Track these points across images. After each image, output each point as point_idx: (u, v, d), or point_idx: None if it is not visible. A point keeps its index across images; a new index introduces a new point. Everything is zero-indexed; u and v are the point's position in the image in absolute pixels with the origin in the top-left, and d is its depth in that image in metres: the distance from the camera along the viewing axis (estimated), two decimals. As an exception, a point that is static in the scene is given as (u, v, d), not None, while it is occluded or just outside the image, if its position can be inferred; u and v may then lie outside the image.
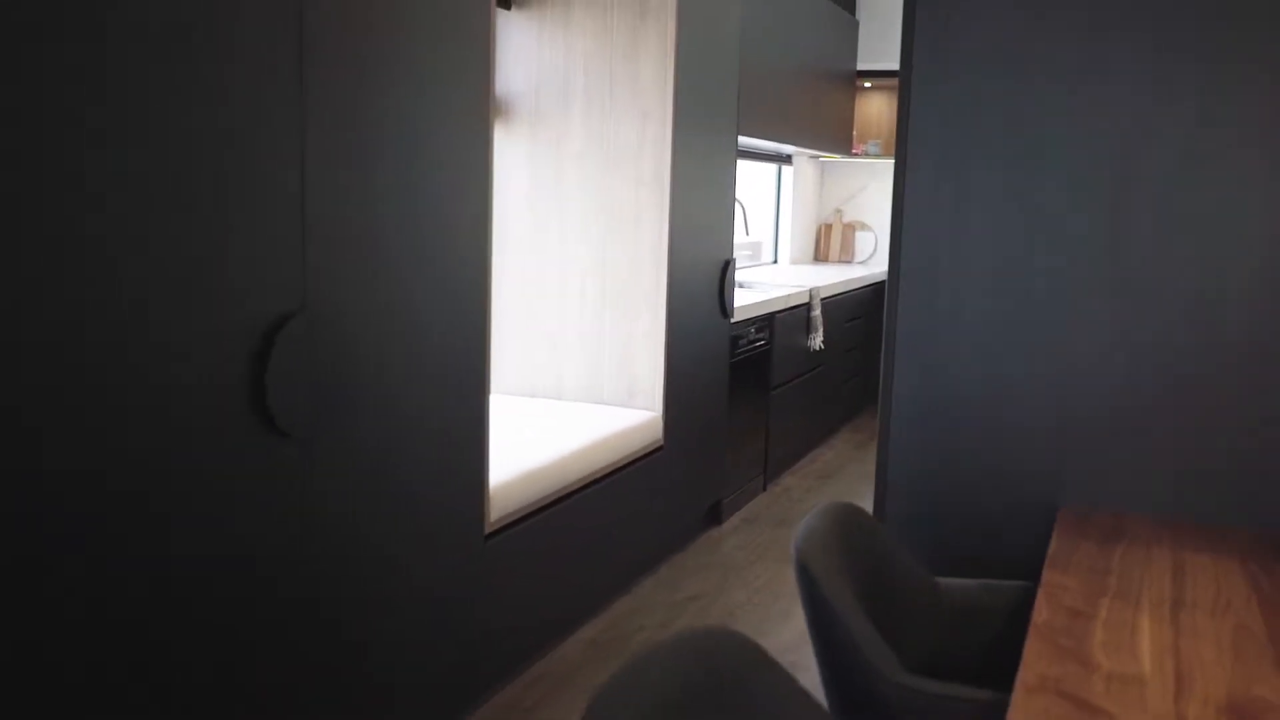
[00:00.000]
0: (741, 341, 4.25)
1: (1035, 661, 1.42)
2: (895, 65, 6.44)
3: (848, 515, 1.85)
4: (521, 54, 3.60)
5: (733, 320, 4.14)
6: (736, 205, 5.54)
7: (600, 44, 3.51)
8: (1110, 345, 2.13)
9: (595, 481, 3.20)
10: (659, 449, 3.59)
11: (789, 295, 4.68)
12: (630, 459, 3.40)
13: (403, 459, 2.30)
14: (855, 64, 6.35)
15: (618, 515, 3.35)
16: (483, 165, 2.49)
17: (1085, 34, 2.08)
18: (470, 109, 2.42)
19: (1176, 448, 2.12)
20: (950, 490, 2.27)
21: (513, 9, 3.59)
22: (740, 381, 4.30)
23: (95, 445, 1.60)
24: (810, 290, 4.92)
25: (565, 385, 3.69)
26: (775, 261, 6.55)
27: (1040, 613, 1.59)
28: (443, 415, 2.42)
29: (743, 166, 6.00)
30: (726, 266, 4.02)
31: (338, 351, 2.06)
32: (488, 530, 2.65)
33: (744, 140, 4.75)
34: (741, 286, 5.05)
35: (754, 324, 4.36)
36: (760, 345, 4.45)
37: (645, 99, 3.47)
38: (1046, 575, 1.75)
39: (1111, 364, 2.13)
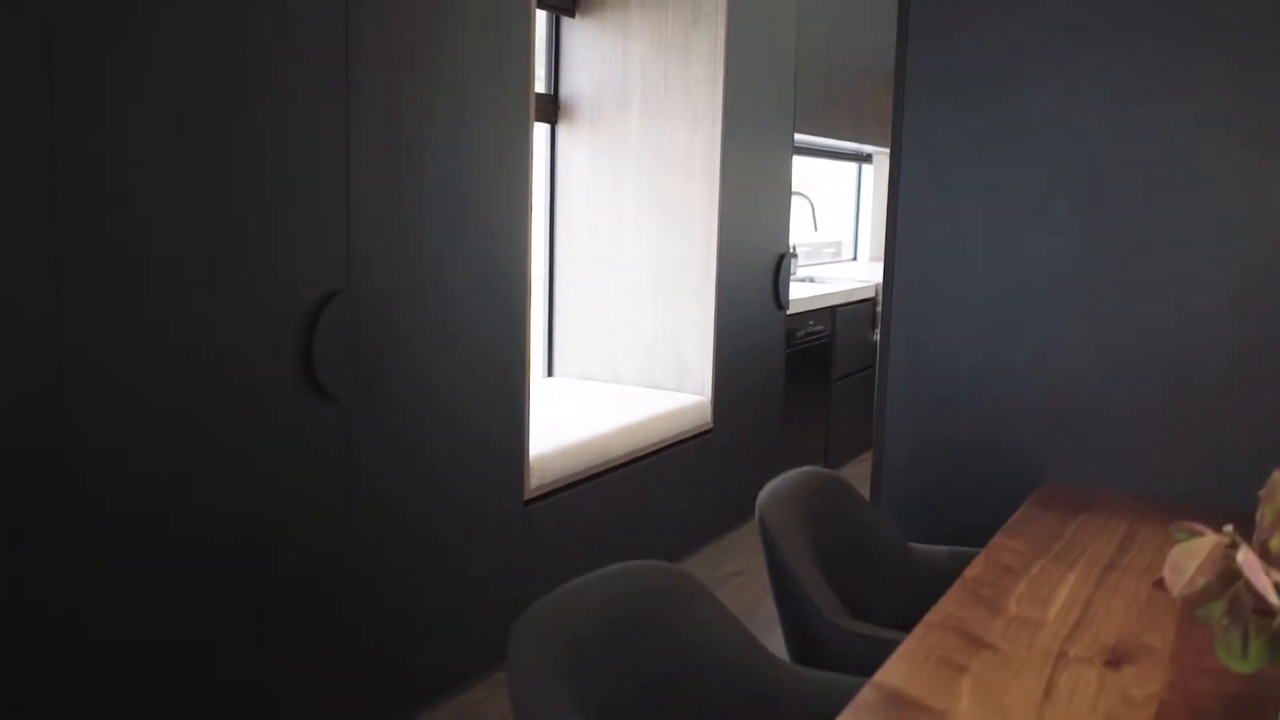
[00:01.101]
0: (799, 333, 4.41)
1: (948, 605, 1.58)
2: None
3: (818, 481, 2.02)
4: (584, 59, 3.84)
5: (789, 312, 4.30)
6: (805, 202, 5.68)
7: (655, 49, 3.72)
8: (1093, 329, 2.24)
9: (640, 459, 3.41)
10: (707, 431, 3.78)
11: (851, 290, 4.81)
12: (677, 439, 3.60)
13: (442, 425, 2.55)
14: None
15: (664, 492, 3.56)
16: (523, 158, 2.72)
17: (1068, 41, 2.20)
18: (511, 105, 2.66)
19: (1158, 429, 2.22)
20: (943, 465, 2.41)
21: (577, 17, 3.83)
22: (800, 372, 4.45)
23: (165, 403, 1.89)
24: (876, 285, 5.03)
25: (621, 370, 3.91)
26: (855, 258, 6.65)
27: (974, 568, 1.74)
28: (482, 388, 2.67)
29: (821, 165, 6.13)
30: (781, 260, 4.18)
31: (378, 326, 2.33)
32: (527, 496, 2.89)
33: (819, 139, 4.89)
34: (812, 281, 5.19)
35: (812, 316, 4.51)
36: (820, 337, 4.59)
37: (697, 101, 3.67)
38: (997, 538, 1.89)
39: (1095, 347, 2.25)
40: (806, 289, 4.70)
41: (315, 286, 2.18)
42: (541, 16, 3.82)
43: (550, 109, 3.89)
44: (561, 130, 3.91)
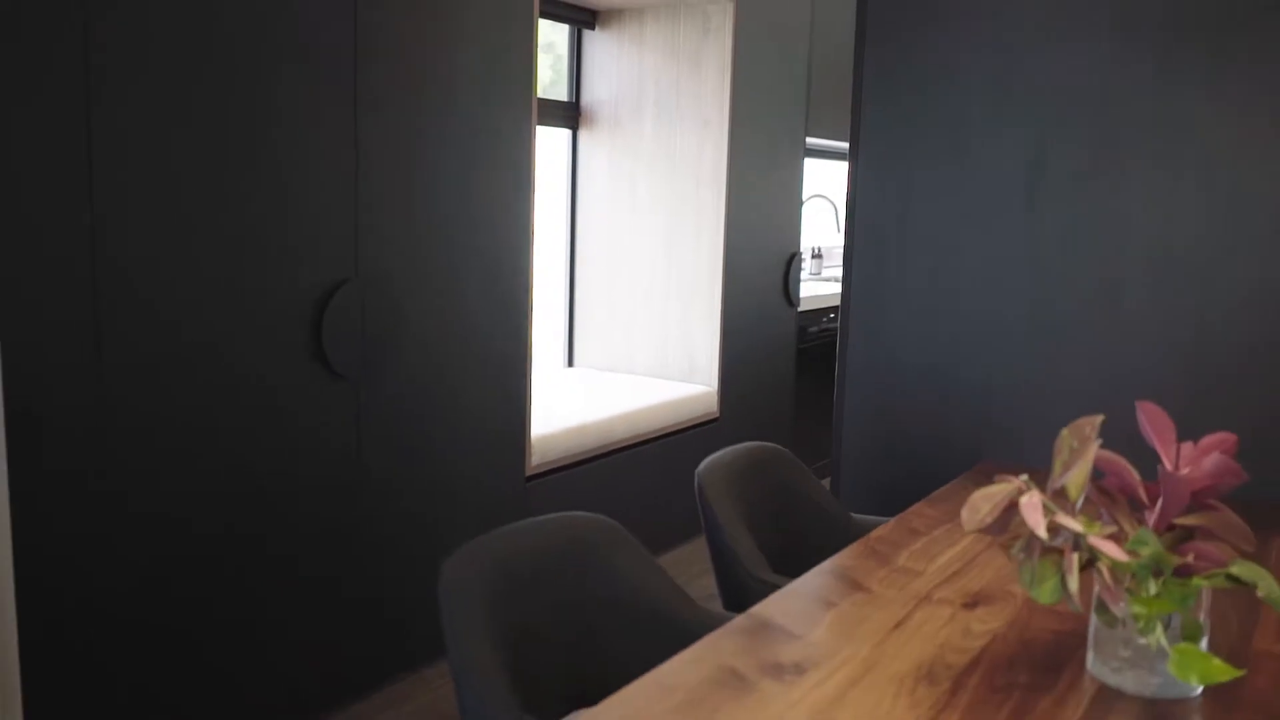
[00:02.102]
0: (811, 329, 4.60)
1: (843, 557, 1.79)
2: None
3: (762, 453, 2.24)
4: (603, 68, 4.09)
5: (804, 310, 4.49)
6: (828, 204, 5.85)
7: (668, 59, 3.95)
8: (1028, 318, 2.42)
9: (644, 443, 3.64)
10: (713, 420, 4.00)
11: (868, 288, 4.97)
12: (683, 427, 3.83)
13: (446, 404, 2.82)
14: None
15: (670, 477, 3.78)
16: (525, 158, 2.97)
17: (1007, 51, 2.38)
18: (514, 107, 2.91)
19: (1091, 410, 2.39)
20: (896, 443, 2.60)
21: (596, 29, 4.08)
22: (814, 367, 4.64)
23: (190, 378, 2.18)
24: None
25: (636, 361, 4.15)
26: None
27: (882, 530, 1.94)
28: (484, 371, 2.93)
29: (844, 168, 6.27)
30: (792, 259, 4.38)
31: (384, 312, 2.59)
32: (528, 473, 3.15)
33: (838, 143, 5.06)
34: (836, 280, 5.36)
35: (826, 314, 4.69)
36: (835, 334, 4.77)
37: (706, 108, 3.89)
38: (915, 506, 2.08)
39: (1029, 335, 2.43)
40: (823, 287, 4.88)
41: (325, 274, 2.45)
42: (564, 29, 4.07)
43: (572, 115, 4.14)
44: (582, 135, 4.16)
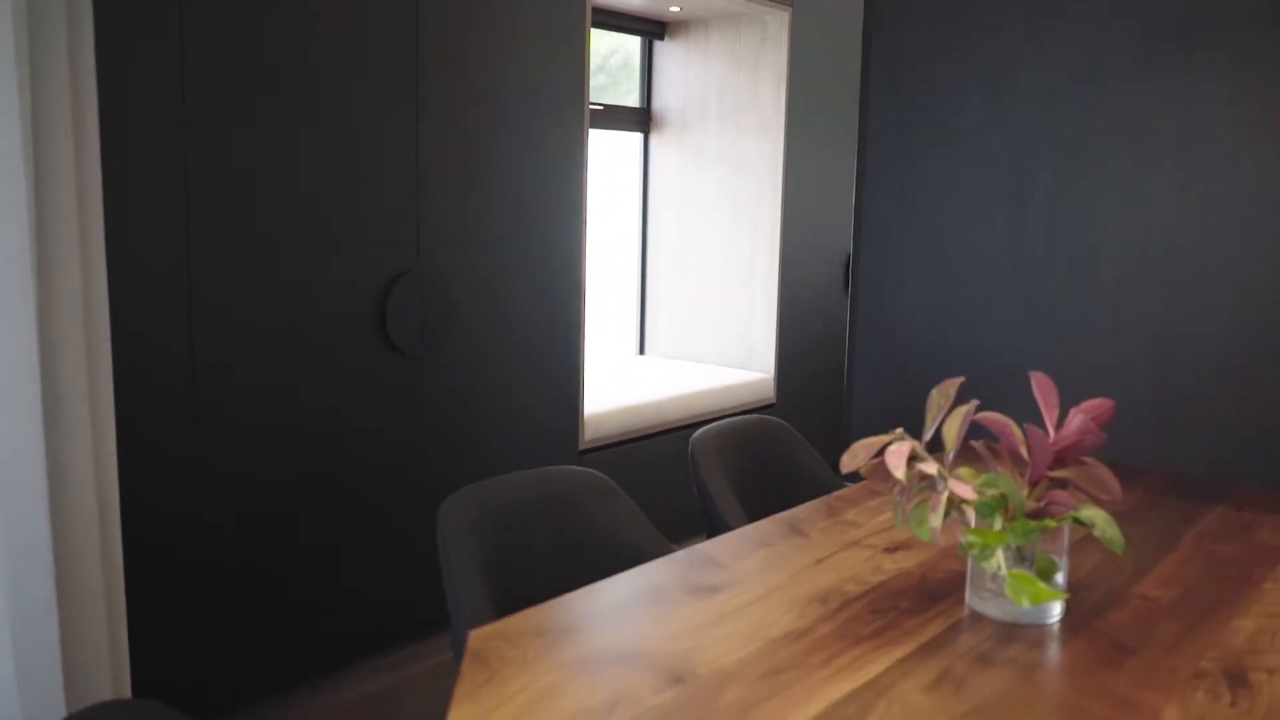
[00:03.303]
0: (876, 322, 4.78)
1: (797, 510, 2.04)
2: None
3: (759, 425, 2.49)
4: (672, 76, 4.37)
5: (868, 303, 4.68)
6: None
7: (730, 66, 4.20)
8: (1012, 307, 2.60)
9: (697, 424, 3.91)
10: (769, 405, 4.23)
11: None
12: (738, 411, 4.08)
13: (501, 381, 3.15)
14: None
15: (724, 457, 4.04)
16: (578, 160, 3.28)
17: (995, 65, 2.57)
18: (567, 113, 3.22)
19: (1070, 392, 2.56)
20: (899, 419, 2.80)
21: (666, 39, 4.37)
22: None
23: (272, 353, 2.57)
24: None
25: (701, 350, 4.42)
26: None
27: (847, 491, 2.17)
28: (538, 353, 3.25)
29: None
30: (854, 254, 4.57)
31: (441, 298, 2.94)
32: (582, 447, 3.46)
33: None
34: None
35: (892, 307, 4.87)
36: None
37: (764, 112, 4.13)
38: (869, 481, 2.30)
39: (1015, 320, 2.60)
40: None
41: (389, 266, 2.81)
42: (636, 41, 4.37)
43: (644, 120, 4.44)
44: (653, 139, 4.46)
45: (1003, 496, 1.48)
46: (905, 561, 1.78)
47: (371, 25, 2.68)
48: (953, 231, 2.68)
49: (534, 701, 1.26)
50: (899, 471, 1.49)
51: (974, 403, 1.58)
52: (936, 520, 1.50)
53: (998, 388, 2.63)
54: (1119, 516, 2.03)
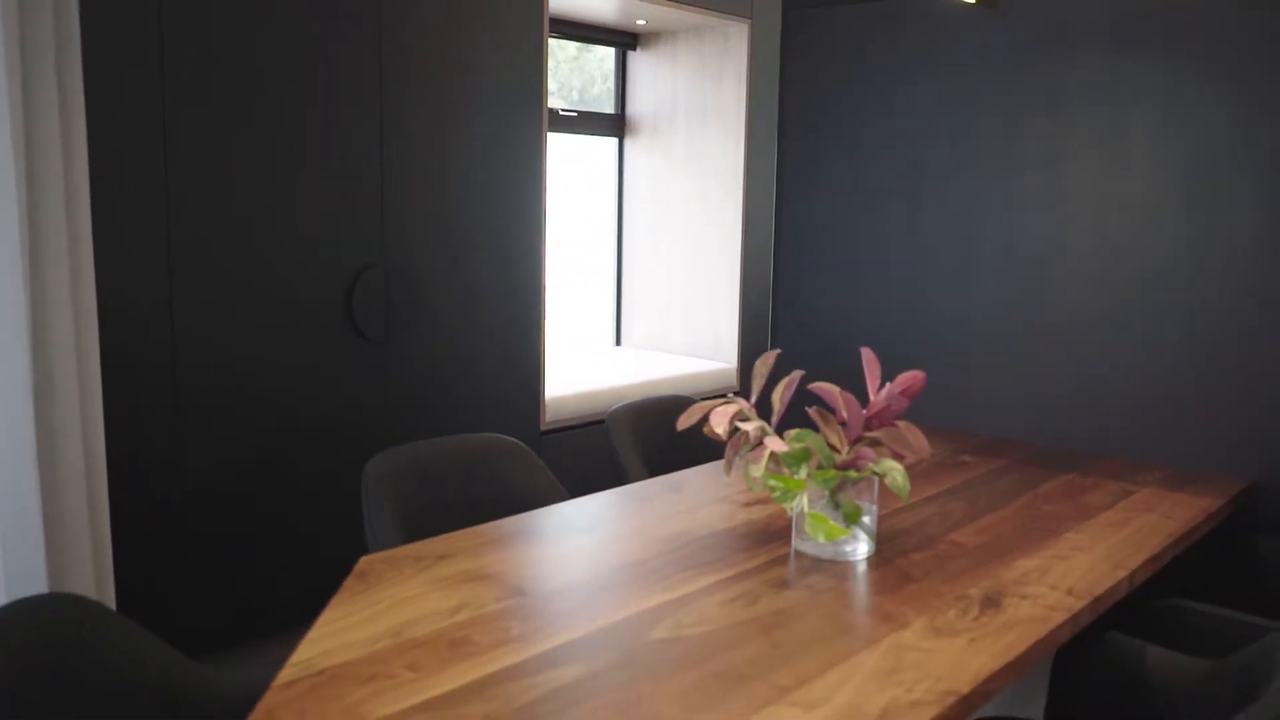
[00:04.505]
0: (843, 316, 5.03)
1: (688, 472, 2.31)
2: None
3: (675, 404, 2.76)
4: (644, 84, 4.65)
5: (834, 297, 4.93)
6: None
7: (695, 75, 4.47)
8: (906, 292, 2.86)
9: (660, 410, 4.19)
10: (734, 393, 4.50)
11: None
12: (701, 398, 4.35)
13: (464, 367, 3.45)
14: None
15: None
16: (538, 159, 3.56)
17: (890, 83, 2.83)
18: (527, 116, 3.51)
19: (950, 366, 2.81)
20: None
21: (638, 50, 4.65)
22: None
23: (246, 335, 2.88)
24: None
25: (672, 341, 4.69)
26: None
27: (717, 463, 2.44)
28: (501, 339, 3.55)
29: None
30: (818, 251, 4.83)
31: (405, 289, 3.24)
32: (543, 428, 3.75)
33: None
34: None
35: (858, 302, 5.11)
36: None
37: (727, 116, 4.40)
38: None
39: (907, 305, 2.86)
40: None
41: (355, 259, 3.12)
42: (610, 52, 4.66)
43: (618, 126, 4.72)
44: (627, 143, 4.74)
45: (809, 450, 1.75)
46: (757, 513, 2.06)
47: (338, 39, 2.99)
48: (857, 227, 2.95)
49: (394, 606, 1.55)
50: (720, 428, 1.76)
51: (798, 373, 1.85)
52: (757, 470, 1.77)
53: (894, 360, 2.89)
54: (980, 480, 2.31)
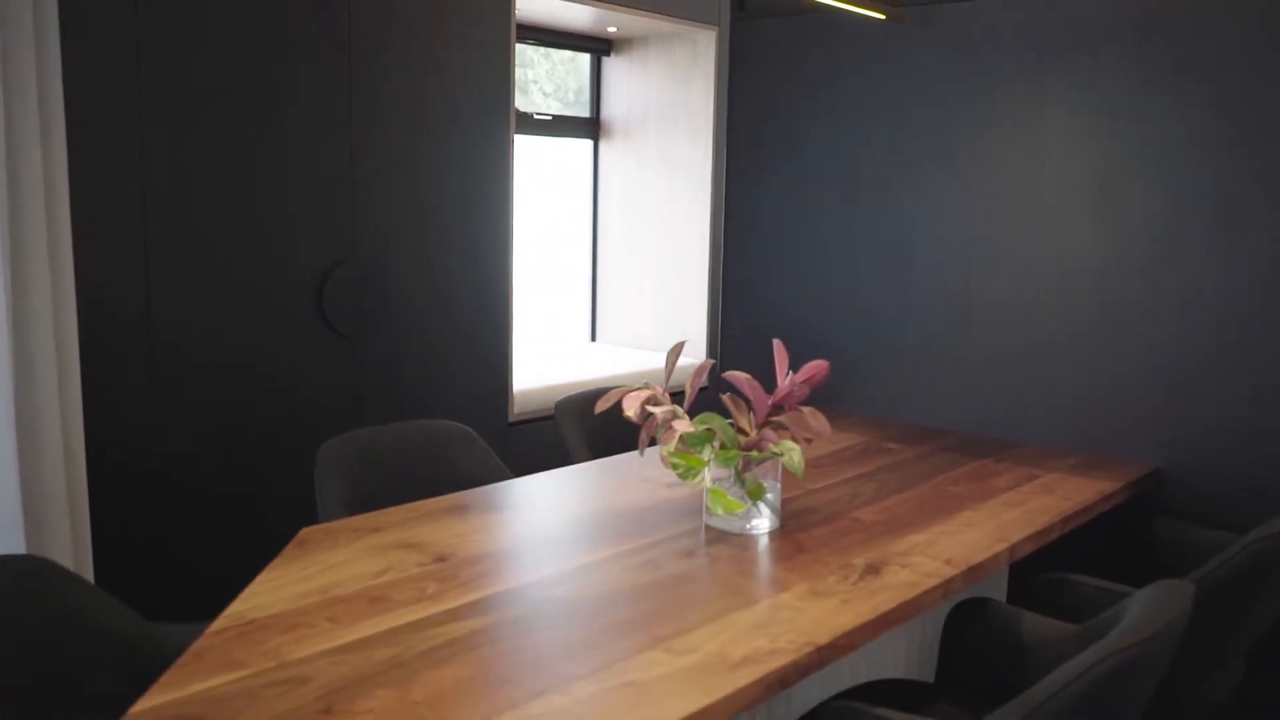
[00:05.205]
0: (812, 313, 5.18)
1: (609, 459, 2.47)
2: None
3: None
4: (618, 88, 4.81)
5: (804, 295, 5.09)
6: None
7: (666, 79, 4.63)
8: (844, 281, 3.02)
9: (629, 403, 4.35)
10: (703, 389, 4.65)
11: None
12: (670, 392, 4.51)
13: (436, 360, 3.62)
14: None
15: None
16: (505, 160, 3.72)
17: (826, 91, 2.99)
18: (494, 118, 3.68)
19: (885, 358, 2.97)
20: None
21: (612, 55, 4.81)
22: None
23: (222, 332, 3.05)
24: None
25: (645, 338, 4.85)
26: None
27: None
28: (471, 334, 3.71)
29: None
30: (787, 250, 4.98)
31: (375, 285, 3.41)
32: (511, 420, 3.91)
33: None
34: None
35: (828, 300, 5.27)
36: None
37: (696, 119, 4.56)
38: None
39: (844, 294, 3.02)
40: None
41: (325, 256, 3.29)
42: (586, 58, 4.82)
43: (593, 129, 4.88)
44: (602, 145, 4.90)
45: (712, 431, 1.91)
46: (678, 493, 2.21)
47: (310, 44, 3.16)
48: (800, 226, 3.10)
49: (325, 569, 1.71)
50: (631, 412, 1.92)
51: (710, 361, 2.01)
52: (663, 450, 1.93)
53: (833, 353, 3.05)
54: (898, 464, 2.46)
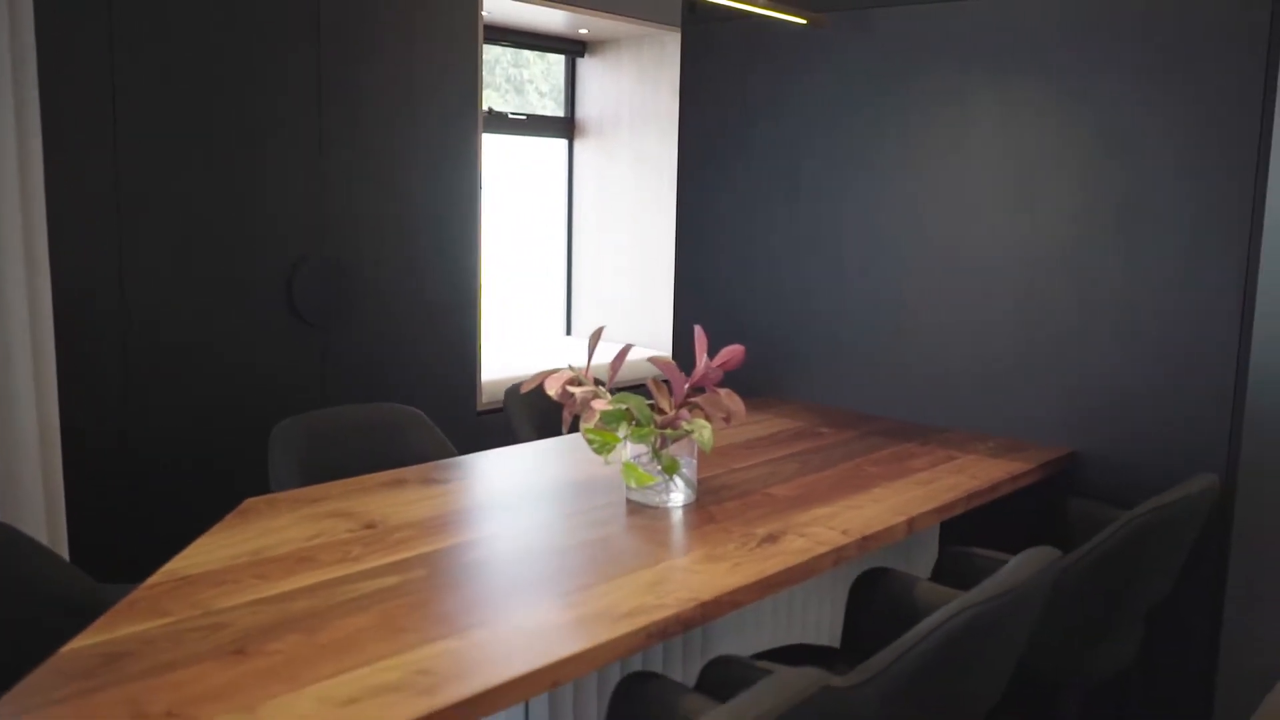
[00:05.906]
0: (782, 308, 5.32)
1: (554, 439, 2.61)
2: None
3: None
4: (592, 89, 4.95)
5: (774, 291, 5.22)
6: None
7: (637, 80, 4.77)
8: (787, 277, 3.15)
9: (597, 394, 4.49)
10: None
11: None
12: (632, 385, 4.65)
13: (405, 350, 3.76)
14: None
15: (624, 423, 4.61)
16: (473, 158, 3.87)
17: (772, 96, 3.12)
18: (463, 119, 3.82)
19: (822, 346, 3.10)
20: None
21: (586, 57, 4.95)
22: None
23: (195, 321, 3.20)
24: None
25: (617, 330, 4.99)
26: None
27: (614, 427, 2.73)
28: (439, 325, 3.85)
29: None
30: (756, 247, 5.12)
31: (344, 277, 3.55)
32: (479, 409, 4.05)
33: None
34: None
35: (798, 295, 5.40)
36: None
37: (664, 118, 4.70)
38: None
39: (787, 289, 3.15)
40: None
41: (295, 250, 3.43)
42: (560, 59, 4.96)
43: (568, 128, 5.02)
44: (577, 144, 5.04)
45: (628, 410, 2.05)
46: (608, 471, 2.35)
47: (280, 36, 3.30)
48: (748, 223, 3.24)
49: (261, 535, 1.86)
50: (552, 392, 2.06)
51: (628, 345, 2.15)
52: (582, 427, 2.07)
53: (777, 343, 3.19)
54: (825, 447, 2.59)
